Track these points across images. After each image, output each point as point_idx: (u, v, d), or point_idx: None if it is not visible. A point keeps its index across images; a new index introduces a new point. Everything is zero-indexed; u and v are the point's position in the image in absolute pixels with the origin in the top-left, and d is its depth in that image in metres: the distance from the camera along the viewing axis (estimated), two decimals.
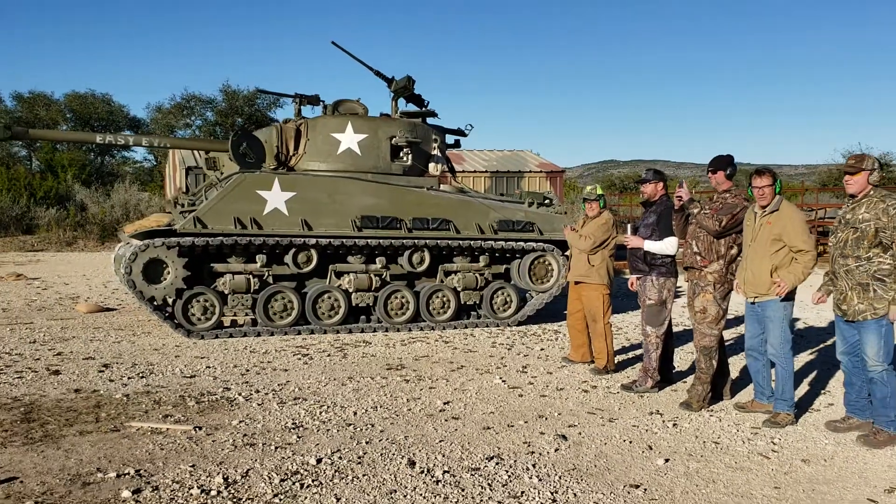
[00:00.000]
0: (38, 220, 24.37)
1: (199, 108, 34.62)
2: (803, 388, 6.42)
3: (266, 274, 8.56)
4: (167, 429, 4.99)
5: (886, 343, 4.83)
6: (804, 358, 7.67)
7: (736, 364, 7.10)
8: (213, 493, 3.89)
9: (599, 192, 7.07)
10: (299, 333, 8.59)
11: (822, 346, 8.30)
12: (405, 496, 3.89)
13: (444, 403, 5.74)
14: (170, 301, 8.24)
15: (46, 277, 14.65)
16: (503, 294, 9.53)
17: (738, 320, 9.51)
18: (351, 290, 8.86)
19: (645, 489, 4.06)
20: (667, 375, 6.44)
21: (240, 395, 5.89)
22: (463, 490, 3.98)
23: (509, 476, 4.20)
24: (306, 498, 3.85)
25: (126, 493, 3.85)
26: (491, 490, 3.99)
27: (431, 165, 9.64)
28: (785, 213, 5.23)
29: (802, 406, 5.74)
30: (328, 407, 5.57)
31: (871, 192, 4.88)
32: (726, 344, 7.91)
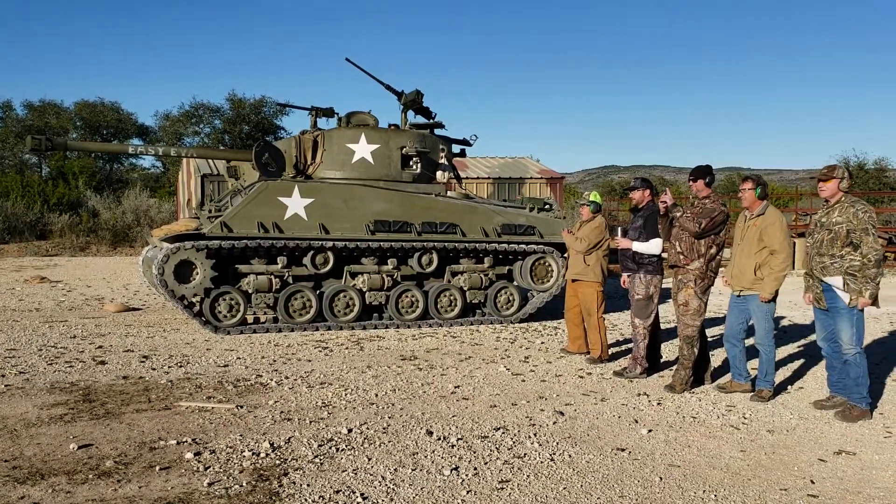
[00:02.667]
0: (51, 225, 25.06)
1: (207, 117, 35.39)
2: (779, 374, 7.09)
3: (286, 274, 9.25)
4: (213, 407, 5.68)
5: (858, 330, 5.55)
6: (786, 350, 8.35)
7: (719, 355, 7.81)
8: (262, 454, 4.59)
9: (592, 198, 7.77)
10: (317, 329, 9.28)
11: (801, 340, 8.99)
12: (426, 457, 4.59)
13: (455, 387, 6.43)
14: (198, 299, 8.93)
15: (68, 280, 15.34)
16: (506, 293, 10.22)
17: (724, 319, 10.20)
18: (365, 290, 9.55)
19: (629, 452, 4.75)
20: (655, 364, 7.13)
21: (271, 380, 6.58)
22: (475, 452, 4.68)
23: (514, 442, 4.90)
24: (342, 458, 4.55)
25: (189, 455, 4.54)
26: (498, 452, 4.69)
27: (439, 173, 10.34)
28: (769, 217, 6.01)
29: (776, 388, 6.42)
30: (352, 390, 6.27)
31: (843, 198, 5.60)
32: (710, 338, 8.62)
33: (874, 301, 5.52)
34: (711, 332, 8.94)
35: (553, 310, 10.88)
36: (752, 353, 6.51)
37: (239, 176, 10.87)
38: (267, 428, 5.16)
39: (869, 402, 5.62)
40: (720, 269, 6.52)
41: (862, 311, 5.55)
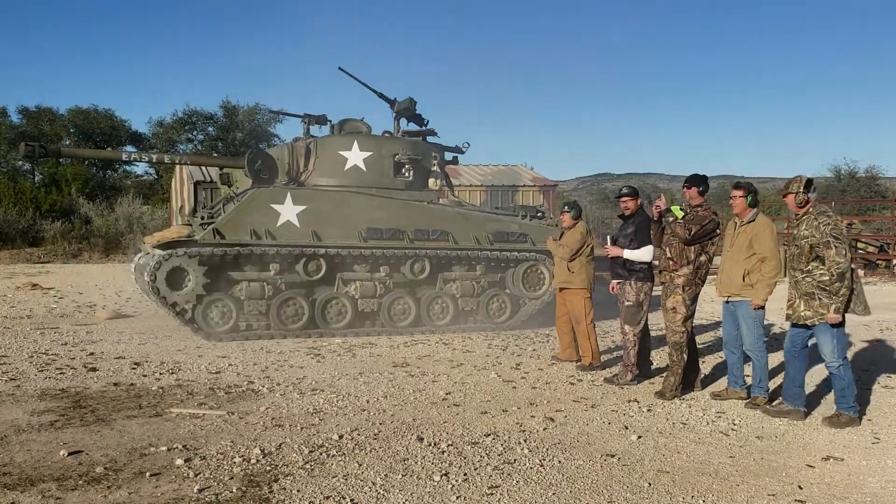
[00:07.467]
0: (43, 232, 24.97)
1: (201, 123, 35.37)
2: (770, 381, 7.13)
3: (279, 281, 9.25)
4: (203, 414, 5.68)
5: (839, 342, 5.52)
6: (776, 357, 8.36)
7: (710, 362, 7.86)
8: (253, 461, 4.60)
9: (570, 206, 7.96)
10: (309, 336, 9.28)
11: None
12: (416, 462, 4.61)
13: (446, 394, 6.45)
14: (190, 306, 8.92)
15: (60, 287, 15.31)
16: (498, 300, 10.24)
17: (715, 325, 10.24)
18: (357, 297, 9.56)
19: (619, 458, 4.78)
20: (645, 371, 7.16)
21: (263, 387, 6.59)
22: (465, 458, 4.70)
23: (504, 448, 4.92)
24: (333, 464, 4.56)
25: (179, 461, 4.54)
26: (489, 458, 4.71)
27: (431, 181, 10.37)
28: (759, 224, 6.07)
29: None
30: (343, 396, 6.28)
31: (811, 210, 5.60)
32: (704, 344, 8.67)
33: (853, 310, 5.49)
34: (702, 339, 9.00)
35: (545, 317, 10.90)
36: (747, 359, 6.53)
37: (232, 183, 10.86)
38: (258, 434, 5.17)
39: (857, 410, 5.65)
40: (709, 277, 6.56)
41: (841, 323, 5.51)
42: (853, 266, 5.51)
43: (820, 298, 5.45)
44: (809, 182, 5.59)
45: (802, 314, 5.55)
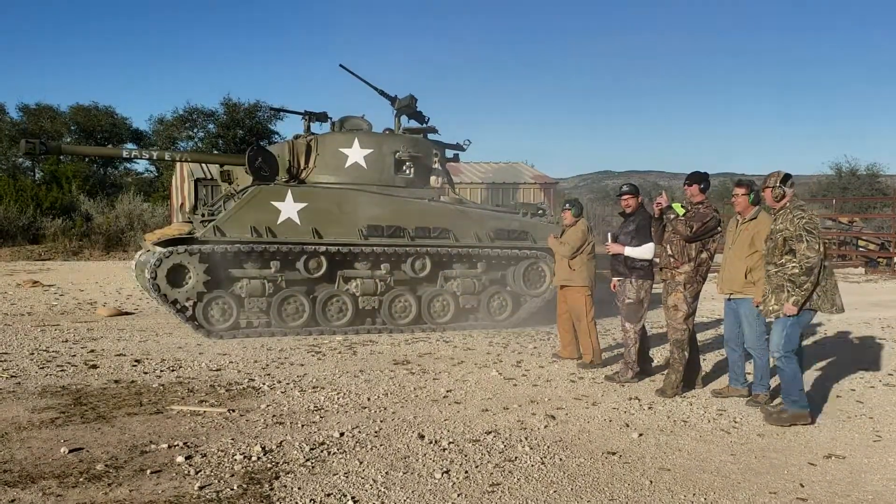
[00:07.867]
0: (44, 230, 24.95)
1: (201, 121, 35.34)
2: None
3: (279, 279, 9.23)
4: (204, 411, 5.67)
5: (788, 335, 5.48)
6: None
7: (710, 360, 7.86)
8: (254, 458, 4.60)
9: (573, 203, 7.92)
10: (310, 334, 9.28)
11: None
12: (417, 460, 4.61)
13: (447, 391, 6.45)
14: (191, 304, 8.92)
15: (61, 284, 15.28)
16: (499, 298, 10.24)
17: (716, 322, 10.24)
18: (358, 294, 9.55)
19: (620, 455, 4.78)
20: (646, 368, 7.16)
21: (264, 384, 6.59)
22: (466, 456, 4.70)
23: (505, 445, 4.93)
24: (334, 462, 4.56)
25: (180, 459, 4.55)
26: (489, 455, 4.72)
27: (432, 178, 10.37)
28: (761, 222, 6.07)
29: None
30: (344, 394, 6.28)
31: (787, 205, 5.60)
32: (705, 342, 8.66)
33: (800, 306, 5.43)
34: (702, 337, 9.00)
35: (546, 315, 10.89)
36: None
37: (232, 180, 10.84)
38: (259, 432, 5.17)
39: (803, 406, 5.53)
40: (710, 275, 6.55)
41: (795, 318, 5.45)
42: (826, 263, 5.50)
43: (788, 291, 5.44)
44: (787, 177, 5.63)
45: (772, 307, 5.55)
